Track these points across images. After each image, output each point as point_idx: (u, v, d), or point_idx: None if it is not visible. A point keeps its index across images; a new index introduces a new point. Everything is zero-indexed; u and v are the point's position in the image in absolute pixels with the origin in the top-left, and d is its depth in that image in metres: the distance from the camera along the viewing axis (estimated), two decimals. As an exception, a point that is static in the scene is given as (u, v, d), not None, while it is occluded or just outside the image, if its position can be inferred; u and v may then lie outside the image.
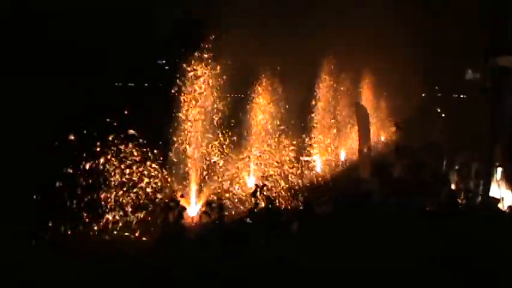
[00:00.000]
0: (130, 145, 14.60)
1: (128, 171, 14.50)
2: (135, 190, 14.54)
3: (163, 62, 27.61)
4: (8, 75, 20.79)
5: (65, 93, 21.50)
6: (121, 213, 14.10)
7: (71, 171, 14.32)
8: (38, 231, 12.75)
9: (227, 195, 16.63)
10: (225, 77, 16.57)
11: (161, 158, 15.31)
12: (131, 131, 14.61)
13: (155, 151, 15.19)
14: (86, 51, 24.23)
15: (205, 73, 16.31)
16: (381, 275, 9.09)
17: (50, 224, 13.15)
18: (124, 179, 14.40)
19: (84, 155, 14.38)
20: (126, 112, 16.28)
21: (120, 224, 14.00)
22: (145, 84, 29.14)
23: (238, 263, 10.05)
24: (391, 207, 13.54)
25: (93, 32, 24.34)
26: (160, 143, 15.87)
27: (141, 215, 14.27)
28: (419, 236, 10.33)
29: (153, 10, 25.81)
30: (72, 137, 15.67)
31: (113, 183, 14.26)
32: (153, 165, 14.95)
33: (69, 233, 13.10)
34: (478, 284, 9.00)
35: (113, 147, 14.40)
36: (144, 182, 14.70)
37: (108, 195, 14.08)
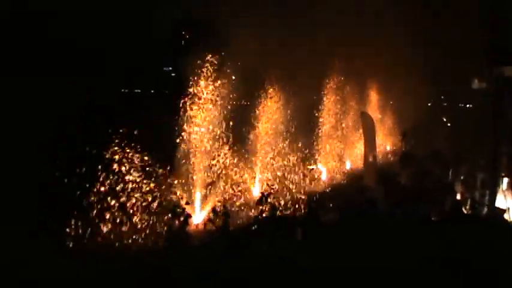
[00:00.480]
0: (135, 151, 14.48)
1: (132, 177, 14.38)
2: (139, 197, 14.42)
3: (170, 69, 27.59)
4: (8, 75, 20.78)
5: (65, 93, 21.49)
6: (125, 220, 13.99)
7: (72, 173, 14.27)
8: (38, 231, 12.73)
9: (233, 202, 16.61)
10: (229, 84, 16.52)
11: (166, 165, 15.21)
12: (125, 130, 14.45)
13: (160, 158, 15.10)
14: (86, 51, 24.23)
15: (210, 79, 16.27)
16: (380, 276, 9.10)
17: (50, 226, 13.10)
18: (128, 186, 14.28)
19: (87, 158, 14.31)
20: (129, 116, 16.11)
21: (124, 231, 13.89)
22: (152, 91, 29.14)
23: (238, 263, 10.06)
24: (396, 215, 13.53)
25: (93, 32, 24.33)
26: (165, 149, 15.81)
27: (145, 222, 14.19)
28: (421, 245, 10.35)
29: (153, 10, 25.80)
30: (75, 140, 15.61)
31: (117, 189, 14.12)
32: (158, 172, 14.86)
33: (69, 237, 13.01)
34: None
35: (117, 153, 14.26)
36: (149, 188, 14.59)
37: (112, 202, 13.97)
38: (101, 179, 13.75)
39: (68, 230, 12.94)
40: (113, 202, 13.80)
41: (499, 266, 9.25)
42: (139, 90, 29.01)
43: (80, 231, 13.09)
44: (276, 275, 9.57)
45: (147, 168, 14.50)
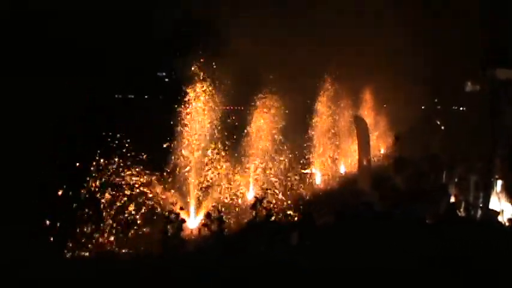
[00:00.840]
0: (130, 157, 14.41)
1: (127, 181, 14.30)
2: (134, 202, 14.35)
3: (163, 74, 27.62)
4: (8, 75, 20.77)
5: (65, 93, 21.49)
6: (120, 226, 13.93)
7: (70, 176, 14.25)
8: (38, 231, 12.73)
9: (227, 207, 16.58)
10: (225, 89, 16.46)
11: (161, 171, 15.15)
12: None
13: (155, 163, 15.04)
14: (86, 51, 24.22)
15: (206, 85, 16.22)
16: (380, 275, 9.12)
17: (49, 227, 13.08)
18: (123, 191, 14.21)
19: (83, 164, 14.24)
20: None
21: (119, 236, 13.82)
22: (146, 97, 29.24)
23: (237, 263, 10.06)
24: (393, 216, 13.50)
25: (93, 32, 24.32)
26: (160, 154, 15.75)
27: (140, 227, 14.14)
28: (419, 244, 10.38)
29: (153, 10, 25.79)
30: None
31: (112, 195, 14.04)
32: (153, 178, 14.81)
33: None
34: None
35: (112, 161, 14.17)
36: (143, 193, 14.52)
37: (107, 208, 13.89)
38: (96, 184, 13.70)
39: (62, 234, 12.90)
40: (106, 207, 13.75)
41: (496, 267, 9.28)
42: (132, 96, 29.08)
43: (72, 236, 13.03)
44: (275, 274, 9.58)
45: (141, 173, 14.46)
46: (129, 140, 14.59)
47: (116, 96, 28.05)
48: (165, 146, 15.67)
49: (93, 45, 24.33)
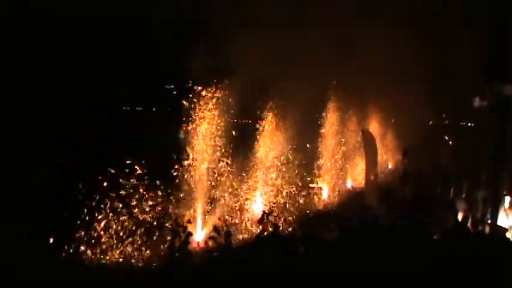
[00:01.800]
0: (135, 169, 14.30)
1: (132, 194, 14.20)
2: (140, 215, 14.25)
3: (171, 86, 27.61)
4: (8, 75, 20.75)
5: (65, 93, 21.48)
6: (125, 238, 13.82)
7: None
8: (38, 231, 12.71)
9: (234, 220, 16.53)
10: (231, 100, 16.37)
11: (167, 182, 15.04)
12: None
13: (161, 174, 14.93)
14: (86, 51, 24.21)
15: (212, 95, 16.12)
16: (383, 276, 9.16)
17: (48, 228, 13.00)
18: (128, 203, 14.09)
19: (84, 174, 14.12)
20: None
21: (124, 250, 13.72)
22: (153, 109, 29.35)
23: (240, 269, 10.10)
24: (399, 226, 13.49)
25: (93, 32, 24.31)
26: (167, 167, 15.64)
27: (146, 240, 14.05)
28: (423, 248, 10.42)
29: (153, 10, 25.79)
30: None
31: (117, 208, 13.91)
32: (159, 190, 14.71)
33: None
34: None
35: (116, 171, 14.04)
36: (149, 206, 14.42)
37: (111, 219, 13.78)
38: (98, 197, 13.59)
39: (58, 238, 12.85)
40: (111, 220, 13.65)
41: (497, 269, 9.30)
42: (140, 108, 29.15)
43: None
44: (275, 275, 9.61)
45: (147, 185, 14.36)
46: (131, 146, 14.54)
47: (124, 108, 28.09)
48: (170, 157, 15.58)
49: (93, 45, 24.32)
